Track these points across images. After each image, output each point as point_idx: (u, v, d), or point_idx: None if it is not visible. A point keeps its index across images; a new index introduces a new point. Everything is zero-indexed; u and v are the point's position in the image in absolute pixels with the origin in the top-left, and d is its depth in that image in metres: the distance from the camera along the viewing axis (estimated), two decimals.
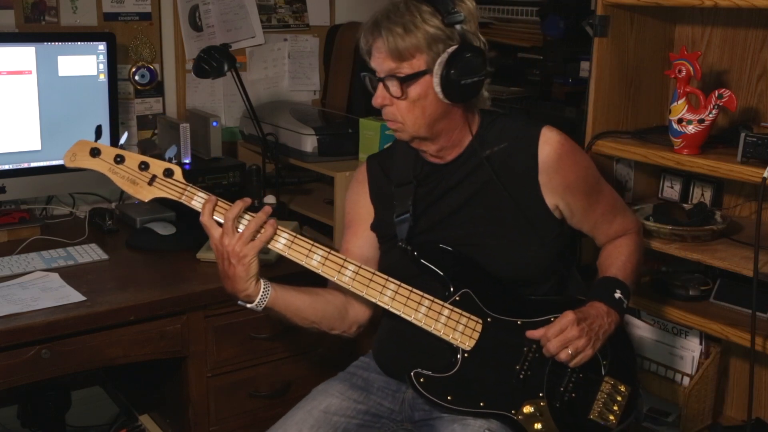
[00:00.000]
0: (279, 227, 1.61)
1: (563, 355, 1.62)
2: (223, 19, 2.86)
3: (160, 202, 2.63)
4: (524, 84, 2.86)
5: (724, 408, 2.47)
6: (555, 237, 1.75)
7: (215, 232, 1.58)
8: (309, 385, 2.13)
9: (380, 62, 1.62)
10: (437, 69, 1.59)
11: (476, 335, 1.64)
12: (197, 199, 1.60)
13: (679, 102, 2.08)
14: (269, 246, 1.61)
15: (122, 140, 1.80)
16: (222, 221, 1.58)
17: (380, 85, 1.62)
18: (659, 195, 2.55)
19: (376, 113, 2.88)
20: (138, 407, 2.50)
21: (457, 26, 1.59)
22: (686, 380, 2.33)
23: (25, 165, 2.38)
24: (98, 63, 2.42)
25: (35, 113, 2.36)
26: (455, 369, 1.64)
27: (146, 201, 1.62)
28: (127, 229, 2.48)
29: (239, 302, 1.66)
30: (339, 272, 1.63)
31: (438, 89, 1.60)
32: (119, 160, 1.62)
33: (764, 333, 2.01)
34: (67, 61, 2.37)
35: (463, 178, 1.72)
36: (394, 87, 1.61)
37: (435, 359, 1.66)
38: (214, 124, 2.59)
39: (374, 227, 1.81)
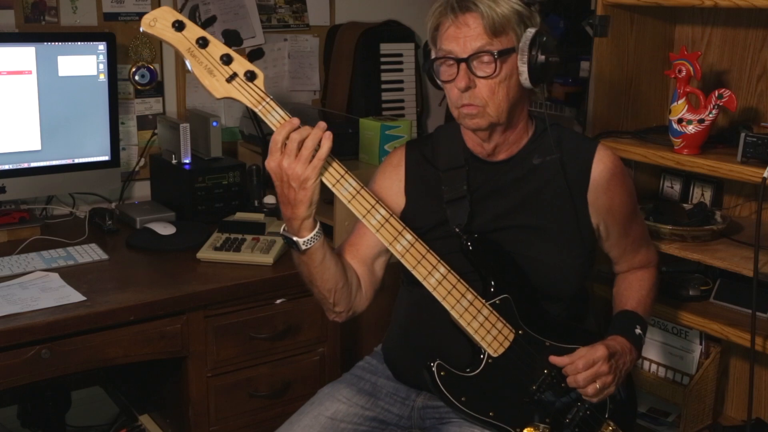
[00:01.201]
0: (349, 174, 1.51)
1: (590, 390, 1.58)
2: (223, 19, 2.86)
3: (161, 202, 2.65)
4: None
5: (724, 408, 2.48)
6: (589, 257, 1.72)
7: (277, 155, 1.47)
8: (309, 385, 2.13)
9: (466, 40, 1.54)
10: (523, 47, 1.55)
11: (507, 344, 1.60)
12: (275, 115, 1.49)
13: (679, 102, 2.08)
14: (333, 190, 1.51)
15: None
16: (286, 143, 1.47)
17: (462, 66, 1.54)
18: (659, 195, 2.55)
19: (376, 113, 2.89)
20: (138, 407, 2.50)
21: (533, 7, 1.58)
22: (686, 380, 2.33)
23: (25, 165, 2.38)
24: (98, 63, 2.42)
25: (35, 113, 2.36)
26: (477, 371, 1.60)
27: (218, 98, 1.49)
28: (127, 229, 2.47)
29: (284, 232, 1.56)
30: (395, 239, 1.54)
31: (524, 69, 1.55)
32: (202, 43, 1.45)
33: (764, 333, 2.01)
34: (67, 61, 2.37)
35: (515, 180, 1.67)
36: (485, 64, 1.54)
37: (454, 359, 1.61)
38: (214, 124, 2.59)
39: (406, 216, 1.69)
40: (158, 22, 1.45)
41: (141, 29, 1.46)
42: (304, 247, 1.54)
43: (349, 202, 1.52)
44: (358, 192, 1.52)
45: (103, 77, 2.44)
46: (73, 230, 2.46)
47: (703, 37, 2.42)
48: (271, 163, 1.48)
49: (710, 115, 2.06)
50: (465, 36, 1.54)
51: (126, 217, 2.55)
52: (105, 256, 2.25)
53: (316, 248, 1.55)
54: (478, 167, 1.69)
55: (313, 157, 1.47)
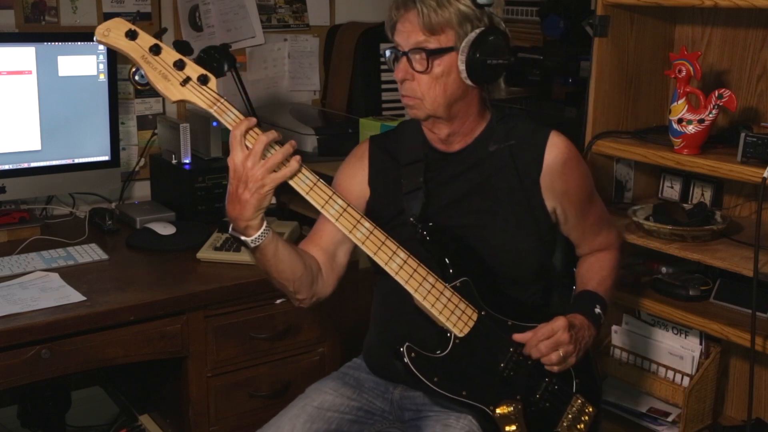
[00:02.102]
0: (306, 168, 1.57)
1: (554, 357, 1.63)
2: (223, 19, 2.86)
3: (161, 202, 2.65)
4: (524, 84, 2.86)
5: (724, 408, 2.48)
6: (545, 241, 1.76)
7: (240, 152, 1.52)
8: (309, 385, 2.13)
9: (407, 35, 1.62)
10: (464, 47, 1.61)
11: (471, 323, 1.64)
12: (230, 114, 1.54)
13: (679, 102, 2.08)
14: (291, 183, 1.56)
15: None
16: (249, 145, 1.53)
17: (403, 59, 1.63)
18: (659, 195, 2.55)
19: (376, 113, 2.89)
20: (138, 407, 2.50)
21: (486, 9, 1.63)
22: (686, 380, 2.33)
23: (25, 165, 2.38)
24: (98, 63, 2.42)
25: (35, 113, 2.36)
26: (446, 352, 1.64)
27: (173, 101, 1.54)
28: (127, 229, 2.47)
29: (232, 232, 1.60)
30: (354, 227, 1.59)
31: (462, 68, 1.62)
32: (155, 50, 1.51)
33: (764, 333, 2.01)
34: (67, 61, 2.37)
35: (468, 169, 1.73)
36: (419, 60, 1.61)
37: (423, 343, 1.65)
38: (214, 124, 2.59)
39: (371, 208, 1.78)
40: (112, 32, 1.51)
41: (95, 38, 1.51)
42: (252, 245, 1.59)
43: (307, 194, 1.58)
44: (315, 184, 1.58)
45: (103, 77, 2.44)
46: (73, 230, 2.46)
47: (703, 37, 2.41)
48: (234, 159, 1.53)
49: (710, 115, 2.05)
50: (406, 31, 1.62)
51: (126, 217, 2.55)
52: (105, 256, 2.25)
53: (266, 244, 1.60)
54: (436, 159, 1.75)
55: (278, 169, 1.53)
